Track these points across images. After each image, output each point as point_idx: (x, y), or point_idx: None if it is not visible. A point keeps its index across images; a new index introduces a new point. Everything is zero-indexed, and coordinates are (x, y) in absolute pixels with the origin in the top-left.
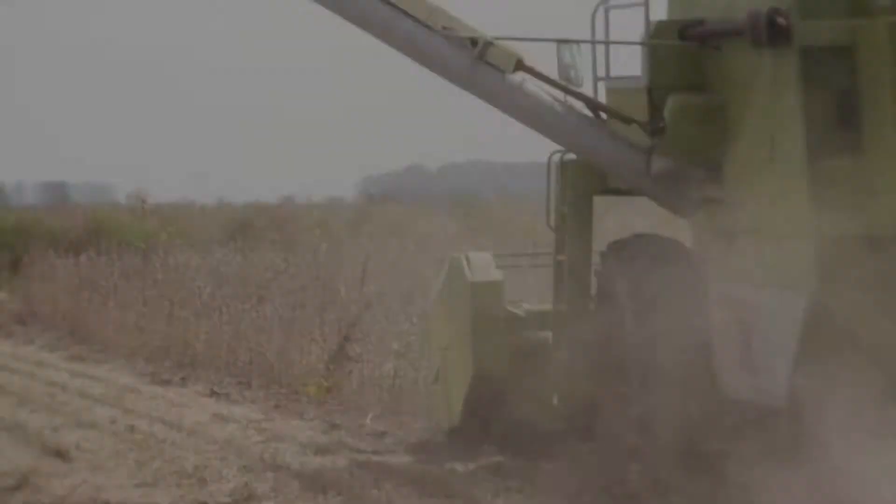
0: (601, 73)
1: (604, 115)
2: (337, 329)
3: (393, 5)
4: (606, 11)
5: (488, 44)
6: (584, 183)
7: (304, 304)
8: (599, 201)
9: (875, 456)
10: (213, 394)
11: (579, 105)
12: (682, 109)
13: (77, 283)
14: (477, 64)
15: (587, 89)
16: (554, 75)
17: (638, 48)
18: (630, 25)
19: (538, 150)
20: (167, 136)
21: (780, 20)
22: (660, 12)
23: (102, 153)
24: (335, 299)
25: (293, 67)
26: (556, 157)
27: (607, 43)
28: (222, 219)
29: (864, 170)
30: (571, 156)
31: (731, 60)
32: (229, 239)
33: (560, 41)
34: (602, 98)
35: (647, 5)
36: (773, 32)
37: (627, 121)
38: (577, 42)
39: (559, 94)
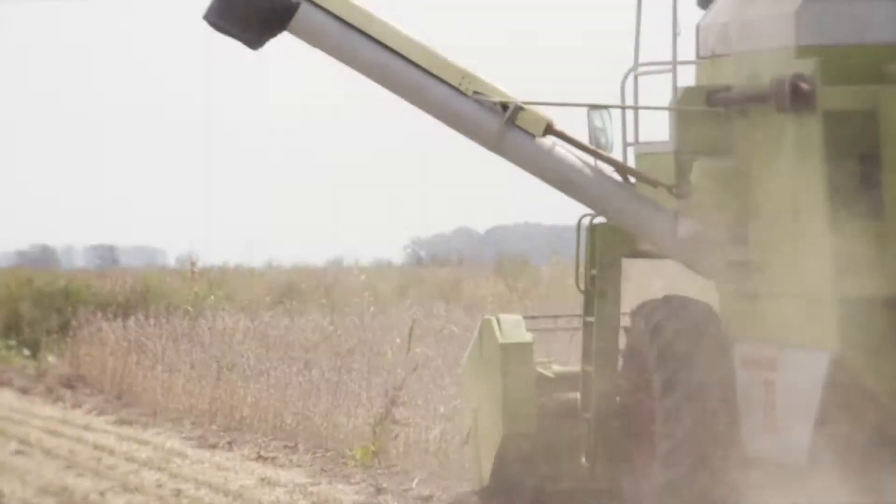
0: (630, 137)
1: (632, 179)
2: (383, 392)
3: (426, 71)
4: (636, 78)
5: (518, 108)
6: (612, 246)
7: (350, 368)
8: (631, 263)
9: None
10: (259, 457)
11: (609, 169)
12: (708, 173)
13: (125, 346)
14: (507, 128)
15: (617, 153)
16: (583, 139)
17: (666, 113)
18: (659, 91)
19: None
20: (217, 199)
21: (803, 86)
22: (687, 79)
23: (152, 216)
24: (382, 363)
25: (341, 130)
26: (586, 221)
27: (636, 108)
28: (270, 282)
29: (885, 232)
30: (601, 219)
31: (757, 125)
32: (277, 302)
33: (591, 106)
34: (631, 162)
35: (674, 72)
36: (796, 98)
37: (655, 184)
38: (608, 107)
39: (588, 158)
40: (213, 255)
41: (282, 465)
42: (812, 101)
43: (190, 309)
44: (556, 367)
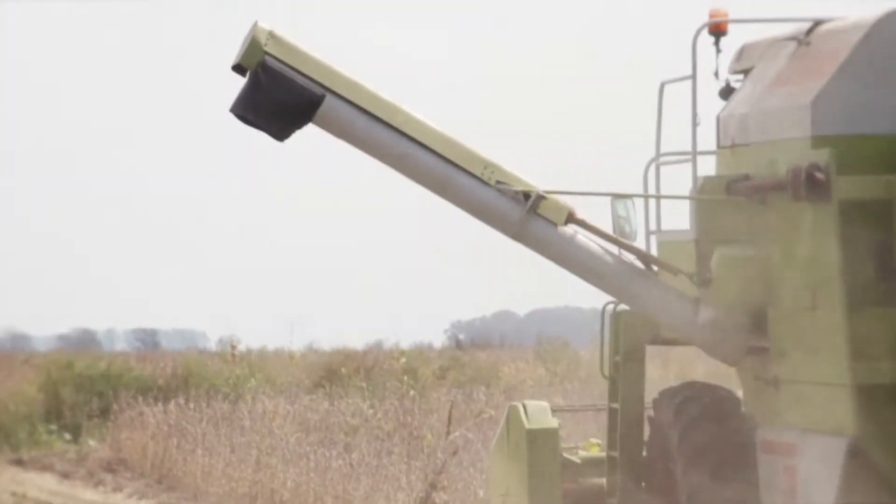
0: (653, 226)
1: (655, 267)
2: (423, 476)
3: (449, 161)
4: (657, 167)
5: (540, 197)
6: (636, 333)
7: (390, 451)
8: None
9: None
10: None
11: (631, 257)
12: (728, 261)
13: (166, 430)
14: (529, 217)
15: (640, 242)
16: (603, 227)
17: (687, 202)
18: (680, 180)
19: None
20: (257, 282)
21: (819, 175)
22: (708, 168)
23: (193, 299)
24: (422, 446)
25: (381, 214)
26: (610, 308)
27: (658, 197)
28: (310, 364)
29: None
30: (624, 306)
31: (775, 214)
32: (317, 385)
33: (614, 196)
34: (654, 250)
35: (694, 161)
36: (812, 187)
37: (676, 272)
38: (631, 196)
39: (610, 246)
40: (253, 337)
41: None
42: (827, 190)
43: (230, 392)
44: (583, 453)
